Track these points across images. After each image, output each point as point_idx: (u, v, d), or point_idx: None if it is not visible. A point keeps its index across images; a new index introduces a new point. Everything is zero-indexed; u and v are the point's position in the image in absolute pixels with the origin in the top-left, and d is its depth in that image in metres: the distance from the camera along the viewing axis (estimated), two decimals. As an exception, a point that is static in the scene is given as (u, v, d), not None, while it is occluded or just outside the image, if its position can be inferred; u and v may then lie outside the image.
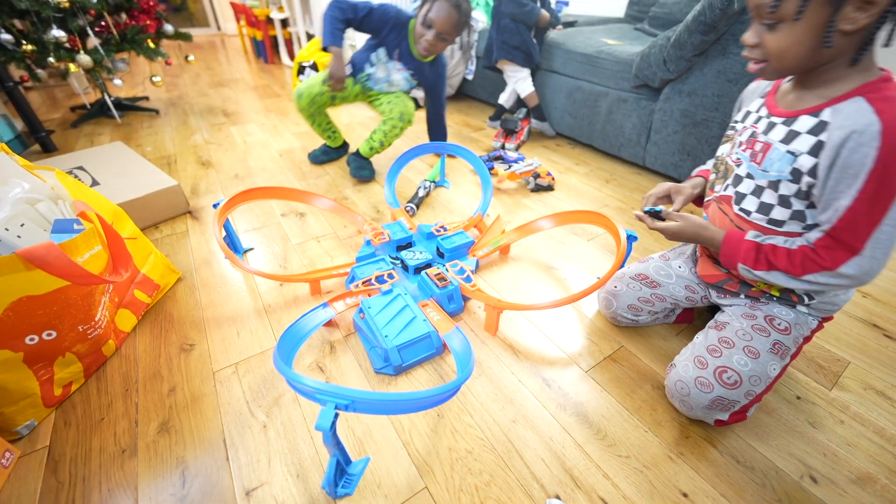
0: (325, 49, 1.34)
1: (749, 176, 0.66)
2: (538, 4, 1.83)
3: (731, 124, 0.75)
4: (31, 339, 0.66)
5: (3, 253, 0.71)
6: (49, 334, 0.68)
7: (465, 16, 1.37)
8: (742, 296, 0.77)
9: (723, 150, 0.75)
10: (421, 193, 1.42)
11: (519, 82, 1.95)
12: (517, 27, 1.82)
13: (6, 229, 0.71)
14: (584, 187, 1.57)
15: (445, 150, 1.41)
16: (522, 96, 1.97)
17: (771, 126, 0.64)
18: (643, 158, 1.66)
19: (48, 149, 1.78)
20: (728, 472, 0.67)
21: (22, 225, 0.73)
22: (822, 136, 0.56)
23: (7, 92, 1.65)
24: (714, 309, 0.94)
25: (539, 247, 1.21)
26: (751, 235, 0.66)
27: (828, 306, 0.72)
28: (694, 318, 0.96)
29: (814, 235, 0.60)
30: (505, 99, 2.06)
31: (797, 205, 0.62)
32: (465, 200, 1.47)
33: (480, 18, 2.34)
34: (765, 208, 0.65)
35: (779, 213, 0.64)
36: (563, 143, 1.99)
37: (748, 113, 0.71)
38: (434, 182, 1.52)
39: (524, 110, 1.99)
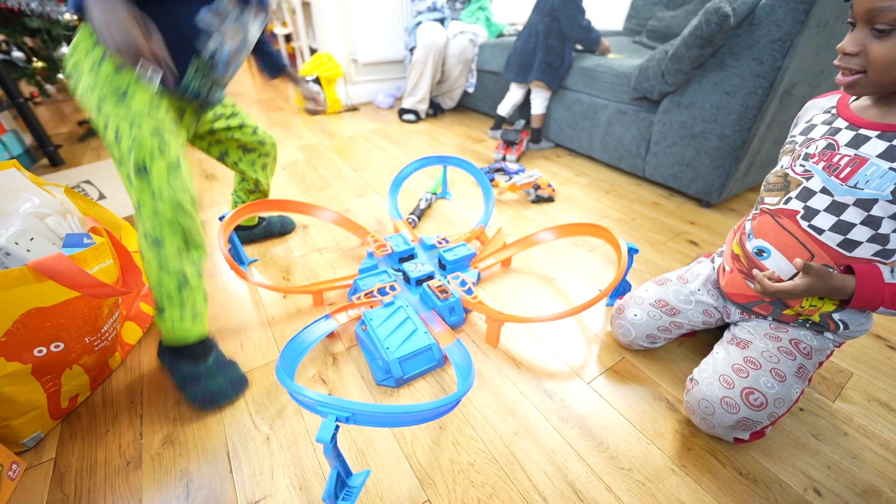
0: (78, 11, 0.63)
1: (825, 191, 0.60)
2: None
3: (790, 138, 0.70)
4: (40, 351, 0.67)
5: (12, 267, 0.72)
6: (57, 346, 0.69)
7: None
8: (770, 318, 0.75)
9: (783, 162, 0.69)
10: (423, 205, 1.43)
11: (540, 101, 1.96)
12: (564, 50, 1.81)
13: (16, 243, 0.73)
14: (585, 198, 1.58)
15: (447, 163, 1.43)
16: (535, 114, 1.99)
17: (862, 139, 0.57)
18: (643, 169, 1.67)
19: (56, 163, 1.81)
20: (731, 484, 0.67)
21: (31, 239, 0.74)
22: None
23: (18, 107, 1.68)
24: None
25: (540, 258, 1.22)
26: (887, 275, 0.59)
27: (855, 334, 0.70)
28: (697, 331, 0.96)
29: None
30: (505, 110, 2.07)
31: (887, 227, 0.56)
32: (467, 212, 1.48)
33: (481, 33, 2.37)
34: (842, 227, 0.59)
35: (859, 233, 0.58)
36: (563, 155, 2.01)
37: (811, 126, 0.65)
38: (436, 194, 1.54)
39: (523, 121, 2.01)
